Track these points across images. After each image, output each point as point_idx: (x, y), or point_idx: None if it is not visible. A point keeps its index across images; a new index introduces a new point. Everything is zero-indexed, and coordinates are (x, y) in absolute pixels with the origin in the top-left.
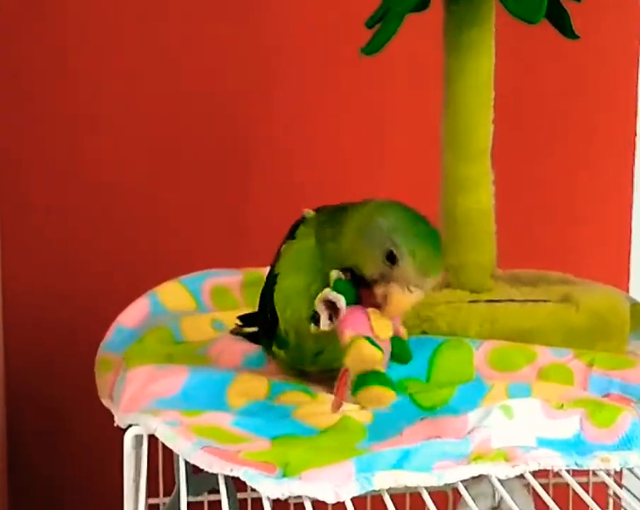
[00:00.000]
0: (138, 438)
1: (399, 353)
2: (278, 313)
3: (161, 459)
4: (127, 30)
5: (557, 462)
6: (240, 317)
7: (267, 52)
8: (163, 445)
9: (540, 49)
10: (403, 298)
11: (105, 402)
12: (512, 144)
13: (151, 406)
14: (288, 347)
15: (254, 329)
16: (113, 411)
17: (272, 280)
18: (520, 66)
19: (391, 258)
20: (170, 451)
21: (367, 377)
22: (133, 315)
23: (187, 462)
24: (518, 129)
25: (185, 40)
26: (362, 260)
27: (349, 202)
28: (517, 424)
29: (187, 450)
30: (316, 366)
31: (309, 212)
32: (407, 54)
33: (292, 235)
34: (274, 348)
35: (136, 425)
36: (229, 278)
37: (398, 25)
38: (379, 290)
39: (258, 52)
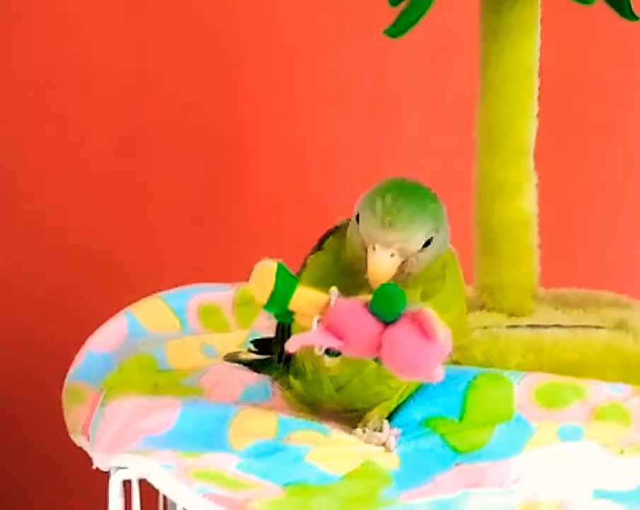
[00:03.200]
0: (126, 484)
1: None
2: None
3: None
4: (102, 21)
5: None
6: (254, 342)
7: (259, 36)
8: (145, 491)
9: (594, 33)
10: (371, 259)
11: (78, 440)
12: (558, 142)
13: (139, 446)
14: (305, 378)
15: (255, 356)
16: (90, 451)
17: None
18: (569, 52)
19: (358, 219)
20: (154, 499)
21: None
22: (107, 338)
23: None
24: (566, 124)
25: (165, 29)
26: (349, 242)
27: None
28: (570, 473)
29: (188, 497)
30: (336, 403)
31: (343, 221)
32: (431, 36)
33: (319, 246)
34: (290, 378)
35: (124, 468)
36: (219, 294)
37: (431, 1)
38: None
39: (247, 37)
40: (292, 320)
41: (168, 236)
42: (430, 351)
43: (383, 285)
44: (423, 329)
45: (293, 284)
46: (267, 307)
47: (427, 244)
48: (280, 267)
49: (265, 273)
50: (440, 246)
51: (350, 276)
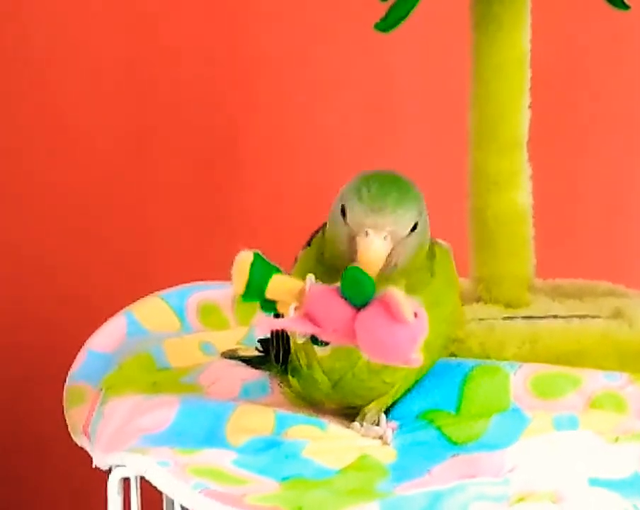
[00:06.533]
0: (125, 482)
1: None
2: (288, 332)
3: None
4: (100, 19)
5: (612, 504)
6: (260, 341)
7: (257, 30)
8: (145, 489)
9: (585, 22)
10: (363, 244)
11: (79, 439)
12: (552, 133)
13: (137, 444)
14: (301, 375)
15: (253, 353)
16: (90, 450)
17: None
18: (560, 43)
19: (343, 211)
20: (153, 496)
21: None
22: (107, 338)
23: (184, 509)
24: (560, 115)
25: (162, 27)
26: (331, 240)
27: None
28: (564, 461)
29: (185, 494)
30: (333, 401)
31: None
32: (423, 29)
33: (309, 242)
34: (289, 377)
35: (122, 466)
36: (219, 292)
37: None
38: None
39: (245, 32)
40: (275, 310)
41: (166, 235)
42: (400, 333)
43: (349, 268)
44: (392, 312)
45: (269, 272)
46: (245, 296)
47: (413, 228)
48: (256, 256)
49: (241, 263)
50: (422, 233)
51: (334, 273)
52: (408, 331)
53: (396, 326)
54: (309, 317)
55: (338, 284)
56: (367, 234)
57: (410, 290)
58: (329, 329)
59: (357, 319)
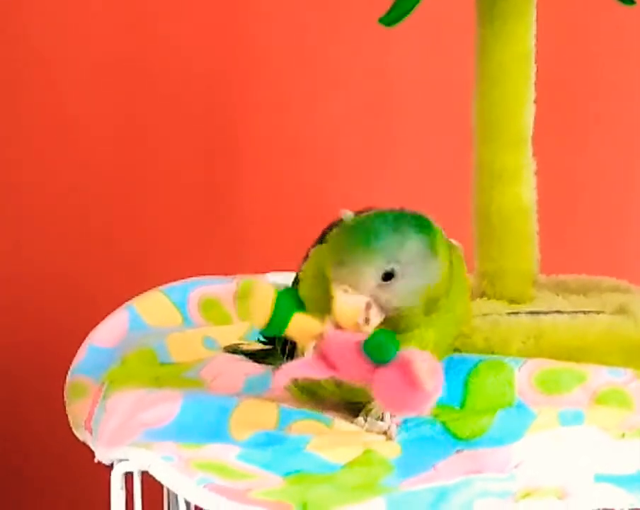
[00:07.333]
0: (127, 476)
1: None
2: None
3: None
4: (101, 18)
5: (618, 500)
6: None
7: (257, 29)
8: (149, 482)
9: (590, 17)
10: (334, 300)
11: (80, 434)
12: (556, 128)
13: (140, 439)
14: None
15: (257, 347)
16: (92, 444)
17: (294, 286)
18: (566, 38)
19: None
20: (155, 491)
21: None
22: (109, 332)
23: (187, 504)
24: (565, 110)
25: (162, 25)
26: None
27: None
28: (570, 457)
29: (189, 488)
30: (338, 397)
31: (348, 214)
32: (427, 24)
33: (322, 238)
34: None
35: (125, 460)
36: (220, 287)
37: None
38: None
39: (245, 31)
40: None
41: (168, 229)
42: (417, 397)
43: (376, 332)
44: (411, 378)
45: (290, 312)
46: (264, 331)
47: (389, 276)
48: (279, 295)
49: (264, 298)
50: (414, 276)
51: None
52: (424, 395)
53: (414, 390)
54: (326, 361)
55: (359, 337)
56: (335, 288)
57: (427, 311)
58: (345, 376)
59: (377, 374)
